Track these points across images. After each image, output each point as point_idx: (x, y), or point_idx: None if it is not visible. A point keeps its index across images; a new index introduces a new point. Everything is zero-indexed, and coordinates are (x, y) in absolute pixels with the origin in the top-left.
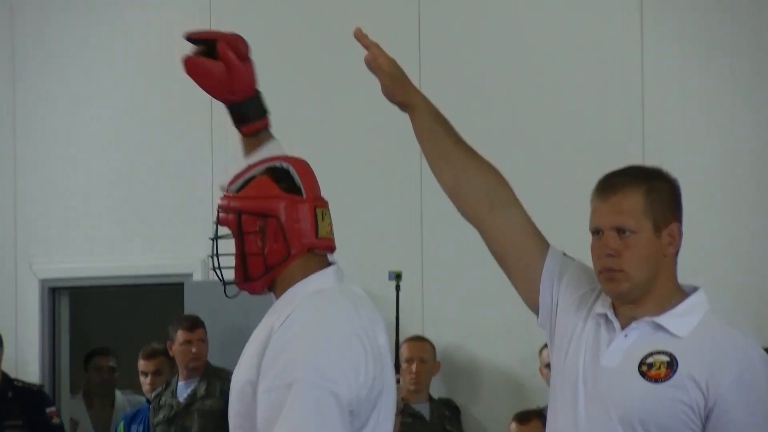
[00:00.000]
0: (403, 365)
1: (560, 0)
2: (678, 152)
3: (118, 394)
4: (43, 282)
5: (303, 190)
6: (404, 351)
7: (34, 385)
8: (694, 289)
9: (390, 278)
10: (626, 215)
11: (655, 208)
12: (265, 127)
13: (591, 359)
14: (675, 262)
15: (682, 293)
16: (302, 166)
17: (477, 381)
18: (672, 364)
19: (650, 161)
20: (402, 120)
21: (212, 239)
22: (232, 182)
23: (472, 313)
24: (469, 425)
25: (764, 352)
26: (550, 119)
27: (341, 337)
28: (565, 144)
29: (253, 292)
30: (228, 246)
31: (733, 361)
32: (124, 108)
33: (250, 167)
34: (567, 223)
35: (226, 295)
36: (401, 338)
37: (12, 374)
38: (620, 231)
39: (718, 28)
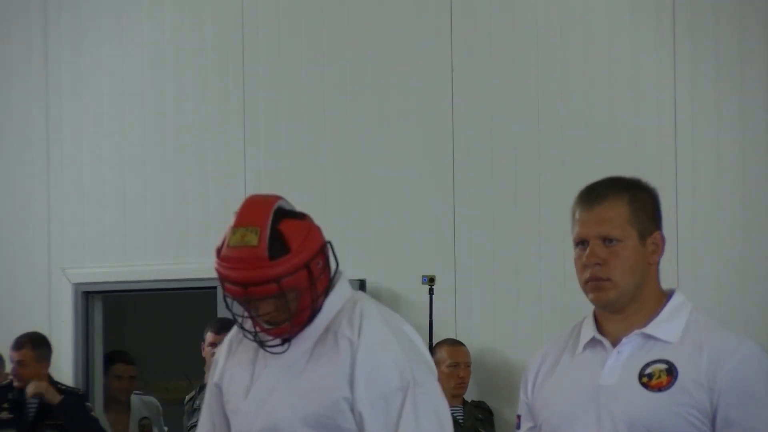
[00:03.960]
0: (445, 369)
1: (593, 33)
2: (711, 183)
3: (133, 397)
4: (76, 286)
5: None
6: (445, 355)
7: (78, 389)
8: (672, 291)
9: (423, 282)
10: (612, 224)
11: (639, 217)
12: None
13: (590, 382)
14: (658, 270)
15: (663, 298)
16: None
17: (510, 384)
18: (671, 371)
19: (683, 191)
20: (435, 125)
21: (249, 317)
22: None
23: (505, 315)
24: (502, 428)
25: (753, 343)
26: (582, 149)
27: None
28: (599, 174)
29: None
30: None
31: (729, 354)
32: (158, 113)
33: (262, 226)
34: None
35: (275, 353)
36: (433, 341)
37: None
38: (606, 240)
39: (751, 57)
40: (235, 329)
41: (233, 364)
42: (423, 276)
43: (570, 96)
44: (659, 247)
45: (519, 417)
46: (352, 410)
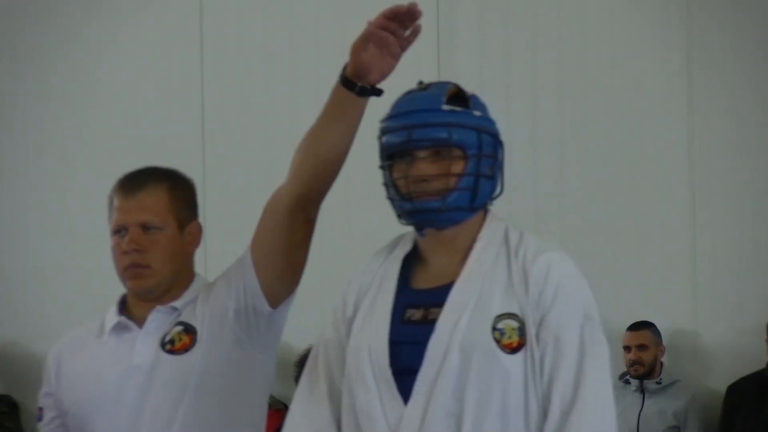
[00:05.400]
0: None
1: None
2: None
3: None
4: None
5: None
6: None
7: None
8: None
9: None
10: (152, 211)
11: (179, 206)
12: None
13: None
14: (193, 259)
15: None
16: None
17: (35, 376)
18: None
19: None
20: None
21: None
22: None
23: (30, 308)
24: (27, 421)
25: None
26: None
27: None
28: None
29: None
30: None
31: None
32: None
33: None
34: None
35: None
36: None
37: None
38: (146, 227)
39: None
40: None
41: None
42: None
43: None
44: (196, 237)
45: (41, 409)
46: None
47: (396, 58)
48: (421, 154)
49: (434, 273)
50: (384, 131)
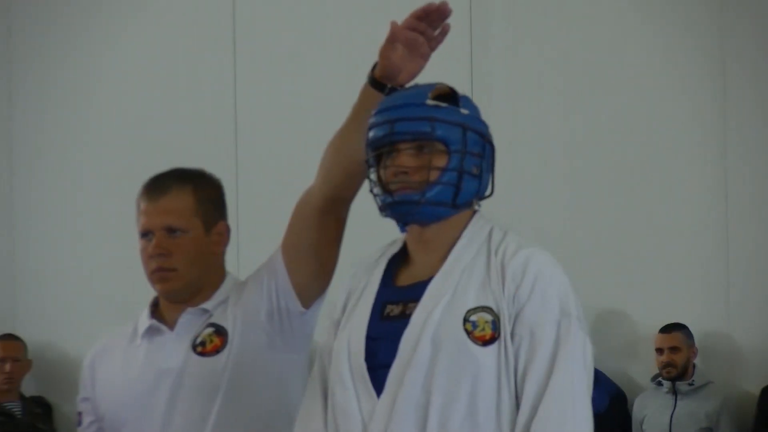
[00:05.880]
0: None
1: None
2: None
3: None
4: None
5: None
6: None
7: None
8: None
9: None
10: (177, 215)
11: (204, 208)
12: None
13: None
14: (223, 259)
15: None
16: None
17: (71, 379)
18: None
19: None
20: None
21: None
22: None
23: (65, 309)
24: (62, 423)
25: None
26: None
27: None
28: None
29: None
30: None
31: None
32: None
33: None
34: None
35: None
36: None
37: None
38: (171, 231)
39: None
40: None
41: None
42: None
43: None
44: (224, 237)
45: (80, 413)
46: None
47: (425, 58)
48: (404, 147)
49: (416, 270)
50: (370, 126)
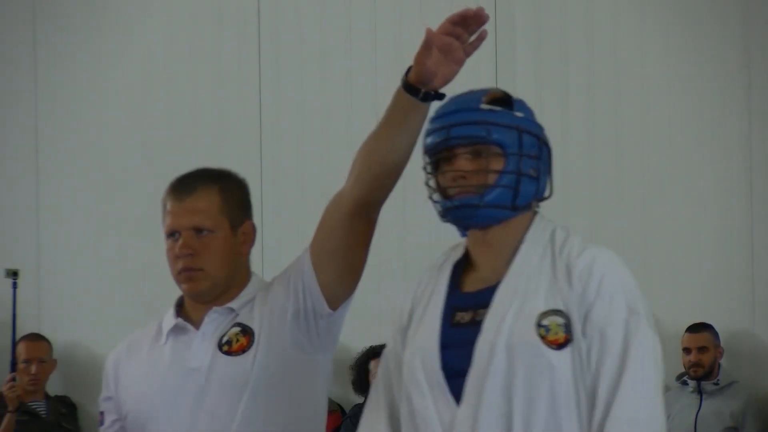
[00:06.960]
0: (21, 365)
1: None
2: None
3: None
4: None
5: None
6: (22, 350)
7: None
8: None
9: (6, 275)
10: (204, 215)
11: (230, 207)
12: None
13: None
14: (249, 259)
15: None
16: None
17: (95, 378)
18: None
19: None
20: None
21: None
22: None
23: (90, 309)
24: (87, 422)
25: None
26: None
27: None
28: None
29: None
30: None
31: None
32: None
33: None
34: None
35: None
36: (17, 336)
37: None
38: (198, 231)
39: None
40: None
41: None
42: (5, 269)
43: None
44: (250, 237)
45: (102, 413)
46: None
47: (460, 63)
48: (460, 151)
49: (481, 275)
50: (427, 133)
